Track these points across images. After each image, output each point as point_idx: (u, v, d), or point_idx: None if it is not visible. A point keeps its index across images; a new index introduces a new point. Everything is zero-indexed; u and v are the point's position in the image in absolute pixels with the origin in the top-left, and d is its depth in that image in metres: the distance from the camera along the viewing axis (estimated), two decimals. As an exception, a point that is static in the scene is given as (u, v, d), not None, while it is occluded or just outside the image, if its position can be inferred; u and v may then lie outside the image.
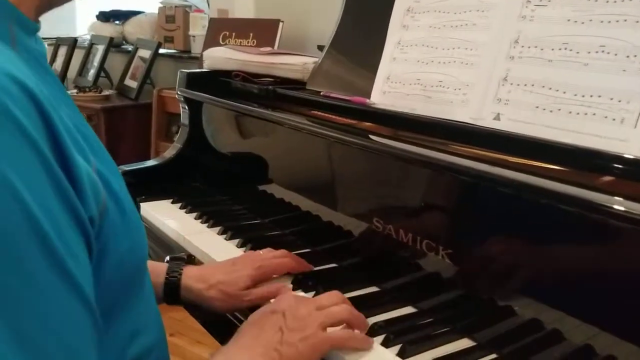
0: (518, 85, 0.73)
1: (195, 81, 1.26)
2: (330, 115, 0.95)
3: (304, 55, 1.17)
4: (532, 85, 0.72)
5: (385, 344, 0.69)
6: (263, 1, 2.16)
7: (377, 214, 0.84)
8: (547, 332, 0.64)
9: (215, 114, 1.26)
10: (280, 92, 1.08)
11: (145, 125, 2.59)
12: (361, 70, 0.98)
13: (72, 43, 3.28)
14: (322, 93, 1.00)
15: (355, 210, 0.90)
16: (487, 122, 0.75)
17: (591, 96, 0.66)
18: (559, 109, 0.69)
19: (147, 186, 1.23)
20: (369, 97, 0.92)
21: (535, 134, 0.70)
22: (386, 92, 0.90)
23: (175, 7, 2.74)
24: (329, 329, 0.67)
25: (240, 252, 0.97)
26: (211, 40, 2.18)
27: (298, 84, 1.11)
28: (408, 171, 0.81)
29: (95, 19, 3.27)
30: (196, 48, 2.52)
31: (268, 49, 1.30)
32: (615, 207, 0.56)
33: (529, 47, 0.73)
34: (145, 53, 2.74)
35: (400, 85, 0.88)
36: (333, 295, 0.72)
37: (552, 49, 0.71)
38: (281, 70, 1.15)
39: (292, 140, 1.04)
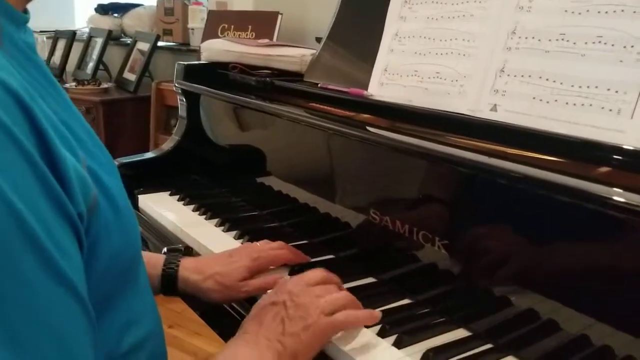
0: (515, 76, 0.73)
1: (192, 73, 1.26)
2: (327, 107, 0.94)
3: (302, 47, 1.17)
4: (529, 76, 0.72)
5: (382, 334, 0.69)
6: (262, -7, 2.16)
7: (374, 205, 0.84)
8: (542, 322, 0.65)
9: (213, 107, 1.26)
10: (277, 84, 1.08)
11: (144, 118, 2.59)
12: (359, 62, 0.98)
13: (71, 36, 3.27)
14: (319, 85, 1.00)
15: (352, 202, 0.90)
16: (484, 113, 0.75)
17: (588, 87, 0.66)
18: (556, 100, 0.69)
19: (145, 178, 1.24)
20: (366, 88, 0.92)
21: (532, 125, 0.69)
22: (383, 84, 0.90)
23: (174, -1, 2.73)
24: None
25: (237, 243, 0.97)
26: (210, 33, 2.17)
27: (296, 76, 1.11)
28: (405, 163, 0.81)
29: (94, 12, 3.26)
30: (195, 41, 2.52)
31: (266, 41, 1.30)
32: (612, 198, 0.56)
33: (526, 38, 0.73)
34: (143, 46, 2.73)
35: (397, 77, 0.88)
36: (329, 278, 0.72)
37: (550, 40, 0.71)
38: (279, 62, 1.15)
39: (290, 132, 1.04)
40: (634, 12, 0.63)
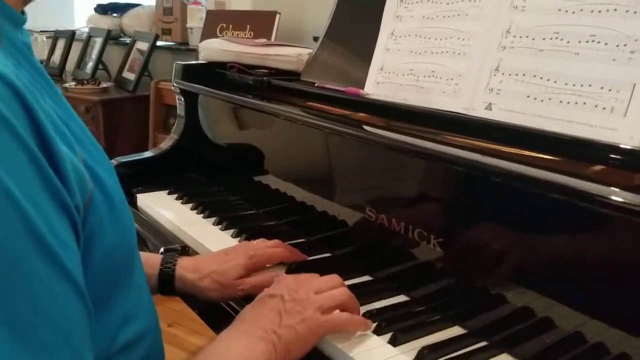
0: (510, 75, 0.73)
1: (191, 73, 1.26)
2: (324, 106, 0.95)
3: (299, 47, 1.17)
4: (524, 75, 0.72)
5: (377, 331, 0.70)
6: (260, -7, 2.16)
7: (370, 203, 0.84)
8: (537, 320, 0.65)
9: (211, 106, 1.26)
10: (274, 84, 1.08)
11: (143, 117, 2.60)
12: (355, 61, 0.98)
13: (70, 35, 3.28)
14: (316, 84, 1.01)
15: (348, 200, 0.91)
16: (479, 112, 0.75)
17: (582, 85, 0.66)
18: (550, 99, 0.69)
19: (143, 177, 1.24)
20: (363, 87, 0.92)
21: (526, 124, 0.70)
22: (380, 83, 0.90)
23: (173, -1, 2.74)
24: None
25: (235, 242, 0.97)
26: (208, 33, 2.17)
27: (293, 75, 1.11)
28: (401, 161, 0.81)
29: (93, 12, 3.26)
30: (194, 40, 2.52)
31: (263, 40, 1.30)
32: (606, 196, 0.56)
33: (521, 37, 0.73)
34: (143, 45, 2.74)
35: (393, 76, 0.88)
36: (331, 278, 0.73)
37: (543, 39, 0.71)
38: (276, 61, 1.15)
39: (287, 131, 1.04)
40: (627, 11, 0.64)
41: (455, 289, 0.74)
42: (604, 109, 0.64)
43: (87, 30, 3.23)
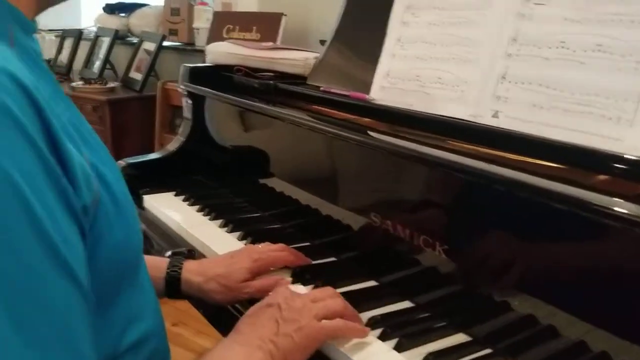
0: (516, 83, 0.74)
1: (197, 75, 1.27)
2: (329, 111, 0.95)
3: (306, 51, 1.18)
4: (530, 83, 0.72)
5: (382, 337, 0.70)
6: (266, -6, 2.17)
7: (374, 209, 0.84)
8: (542, 328, 0.65)
9: (218, 108, 1.27)
10: (281, 87, 1.09)
11: (150, 117, 2.61)
12: (362, 66, 0.99)
13: (78, 35, 3.29)
14: (321, 88, 1.01)
15: (353, 204, 0.91)
16: (485, 119, 0.76)
17: (588, 95, 0.67)
18: (556, 107, 0.69)
19: (150, 178, 1.25)
20: (368, 92, 0.93)
21: (532, 132, 0.70)
22: (385, 88, 0.90)
23: (180, -1, 2.75)
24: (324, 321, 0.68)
25: (241, 244, 0.98)
26: (215, 34, 2.18)
27: (299, 79, 1.12)
28: (406, 167, 0.82)
29: (101, 11, 3.28)
30: (200, 41, 2.53)
31: (270, 44, 1.31)
32: (609, 206, 0.56)
33: (527, 46, 0.74)
34: (150, 45, 2.75)
35: (399, 81, 0.88)
36: (326, 289, 0.74)
37: (550, 48, 0.71)
38: (283, 65, 1.16)
39: (293, 134, 1.05)
40: (632, 21, 0.64)
41: (460, 296, 0.74)
42: (610, 119, 0.64)
43: (94, 29, 3.24)
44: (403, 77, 0.88)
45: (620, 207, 0.55)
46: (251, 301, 0.81)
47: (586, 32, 0.68)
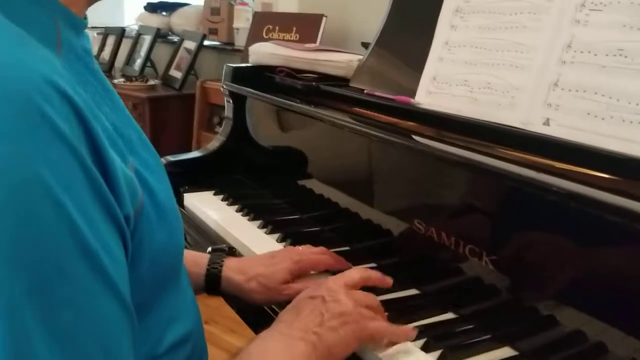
0: (570, 90, 0.72)
1: (240, 76, 1.27)
2: (373, 114, 0.94)
3: (349, 53, 1.17)
4: (584, 91, 0.70)
5: (425, 348, 0.68)
6: (307, -5, 2.17)
7: (418, 215, 0.83)
8: (591, 345, 0.63)
9: (259, 109, 1.27)
10: (323, 89, 1.08)
11: (188, 115, 2.64)
12: (406, 70, 0.98)
13: (120, 33, 3.36)
14: (365, 91, 1.00)
15: (395, 210, 0.90)
16: (536, 127, 0.74)
17: (646, 104, 0.64)
18: (612, 117, 0.67)
19: (190, 177, 1.26)
20: (413, 96, 0.92)
21: (585, 141, 0.68)
22: (432, 92, 0.89)
23: (221, -1, 2.77)
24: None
25: (279, 246, 0.98)
26: (255, 34, 2.19)
27: (342, 81, 1.11)
28: (452, 174, 0.80)
29: (143, 10, 3.33)
30: (240, 41, 2.54)
31: (313, 45, 1.31)
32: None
33: (582, 52, 0.72)
34: (190, 44, 2.78)
35: (446, 86, 0.87)
36: (368, 295, 0.72)
37: (607, 55, 0.69)
38: (325, 66, 1.15)
39: (334, 137, 1.04)
40: (699, 29, 0.61)
41: (506, 309, 0.72)
42: (670, 129, 0.62)
43: (136, 27, 3.30)
44: (450, 81, 0.86)
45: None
46: (289, 302, 0.81)
47: (647, 39, 0.65)
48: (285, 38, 2.08)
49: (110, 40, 3.41)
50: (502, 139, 0.75)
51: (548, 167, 0.66)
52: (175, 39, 3.02)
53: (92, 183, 0.42)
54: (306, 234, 1.04)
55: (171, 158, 1.27)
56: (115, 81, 2.86)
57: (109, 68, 3.31)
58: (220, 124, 2.38)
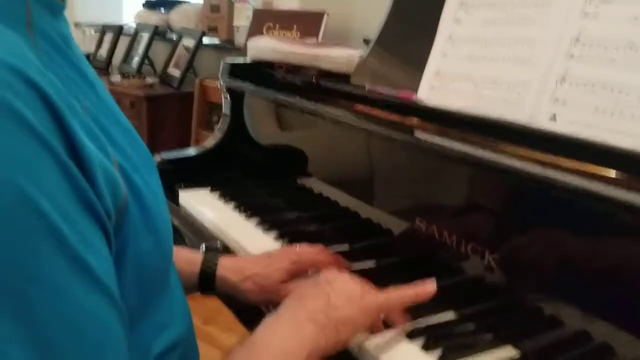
0: (577, 85, 0.69)
1: (238, 71, 1.25)
2: (375, 110, 0.92)
3: (349, 48, 1.15)
4: (593, 85, 0.68)
5: (426, 348, 0.67)
6: (308, -7, 2.15)
7: (420, 213, 0.81)
8: (596, 346, 0.61)
9: (257, 105, 1.25)
10: (323, 85, 1.06)
11: (186, 114, 2.62)
12: (408, 66, 0.95)
13: (118, 30, 3.34)
14: (367, 87, 0.98)
15: (397, 208, 0.88)
16: (542, 122, 0.72)
17: (658, 100, 0.62)
18: (621, 112, 0.65)
19: (186, 174, 1.24)
20: (415, 92, 0.89)
21: (594, 137, 0.66)
22: (435, 88, 0.87)
23: (220, -4, 2.75)
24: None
25: (277, 245, 0.96)
26: (255, 31, 2.17)
27: (342, 77, 1.09)
28: (455, 170, 0.78)
29: (141, 7, 3.31)
30: (240, 38, 2.52)
31: (313, 40, 1.28)
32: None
33: (591, 46, 0.69)
34: (189, 42, 2.76)
35: (450, 82, 0.85)
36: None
37: (616, 49, 0.67)
38: (325, 62, 1.13)
39: (334, 134, 1.02)
40: None
41: (508, 308, 0.71)
42: (682, 125, 0.60)
43: (134, 25, 3.28)
44: (454, 77, 0.84)
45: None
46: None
47: (660, 32, 0.63)
48: (285, 35, 2.06)
49: (108, 38, 3.38)
50: (507, 135, 0.72)
51: (554, 164, 0.65)
52: (174, 36, 3.00)
53: (69, 178, 0.39)
54: (304, 232, 1.02)
55: (167, 155, 1.25)
56: (113, 79, 2.84)
57: (106, 66, 3.29)
58: (219, 122, 2.36)
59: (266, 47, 1.23)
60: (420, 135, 0.82)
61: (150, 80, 2.86)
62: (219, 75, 1.29)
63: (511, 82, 0.76)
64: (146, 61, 3.10)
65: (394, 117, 0.88)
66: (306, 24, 1.99)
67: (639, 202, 0.56)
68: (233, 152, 1.29)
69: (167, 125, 2.72)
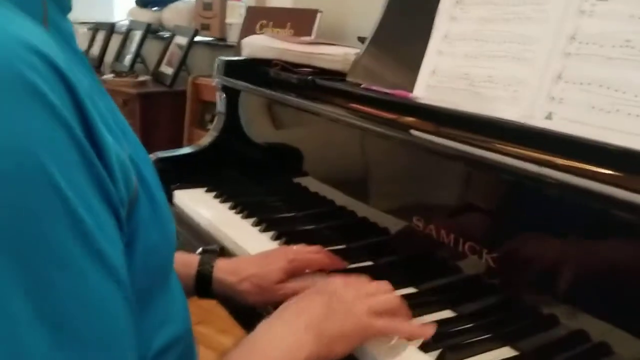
0: (574, 83, 0.69)
1: (233, 69, 1.25)
2: (371, 108, 0.92)
3: (345, 46, 1.14)
4: (589, 83, 0.68)
5: (424, 348, 0.66)
6: (301, -10, 2.14)
7: (417, 212, 0.81)
8: (594, 345, 0.61)
9: (252, 103, 1.25)
10: (319, 83, 1.06)
11: (179, 112, 2.61)
12: (404, 64, 0.95)
13: (110, 28, 3.32)
14: (362, 85, 0.98)
15: (394, 207, 0.88)
16: (538, 121, 0.72)
17: (654, 98, 0.62)
18: (618, 110, 0.65)
19: (181, 173, 1.23)
20: (411, 91, 0.89)
21: (590, 135, 0.66)
22: (431, 86, 0.87)
23: (213, -6, 2.74)
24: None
25: (274, 244, 0.95)
26: (248, 29, 2.17)
27: (338, 75, 1.08)
28: (452, 169, 0.78)
29: (133, 5, 3.30)
30: (232, 36, 2.52)
31: (309, 38, 1.28)
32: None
33: (587, 44, 0.69)
34: (181, 40, 2.75)
35: (446, 80, 0.85)
36: (382, 284, 0.71)
37: (613, 46, 0.67)
38: (321, 60, 1.13)
39: (330, 132, 1.02)
40: None
41: (507, 307, 0.71)
42: (679, 124, 0.60)
43: (127, 23, 3.26)
44: (450, 75, 0.84)
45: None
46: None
47: (656, 30, 0.63)
48: (279, 33, 2.05)
49: (100, 36, 3.37)
50: (503, 134, 0.72)
51: (550, 162, 0.64)
52: (167, 34, 2.98)
53: (87, 163, 0.39)
54: (301, 232, 1.02)
55: (161, 154, 1.24)
56: (105, 77, 2.82)
57: (98, 64, 3.27)
58: (212, 121, 2.35)
59: (262, 44, 1.23)
60: (416, 133, 0.82)
61: (143, 78, 2.84)
62: (214, 73, 1.28)
63: (507, 80, 0.76)
64: (139, 59, 3.09)
65: (390, 116, 0.88)
66: (299, 21, 1.99)
67: (636, 200, 0.56)
68: (228, 150, 1.28)
69: (160, 123, 2.71)
